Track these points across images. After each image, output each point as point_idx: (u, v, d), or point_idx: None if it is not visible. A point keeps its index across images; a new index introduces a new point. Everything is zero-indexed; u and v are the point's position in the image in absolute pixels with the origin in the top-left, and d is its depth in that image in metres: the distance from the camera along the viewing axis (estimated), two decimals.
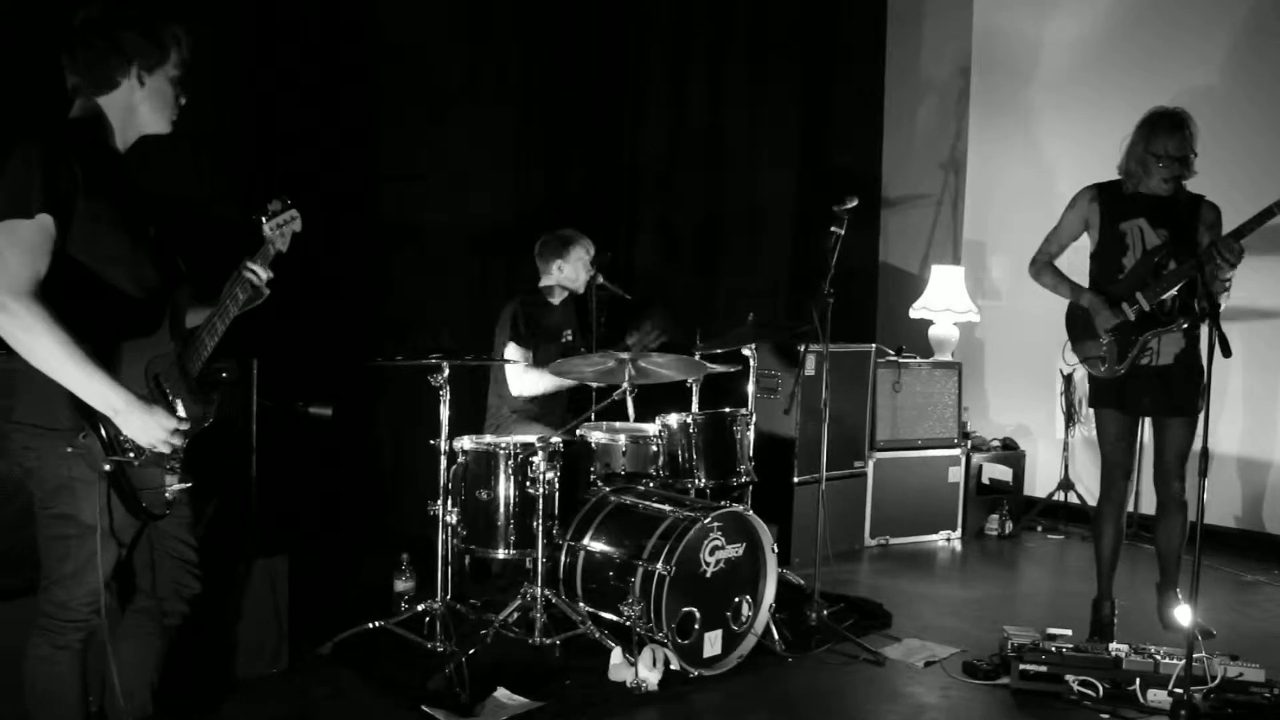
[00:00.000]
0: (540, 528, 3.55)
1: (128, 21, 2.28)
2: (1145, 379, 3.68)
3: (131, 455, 2.17)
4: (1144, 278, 3.62)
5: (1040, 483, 6.14)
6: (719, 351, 4.35)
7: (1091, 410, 3.95)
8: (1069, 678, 3.29)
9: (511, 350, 4.20)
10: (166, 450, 2.21)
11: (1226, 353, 3.05)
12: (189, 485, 2.35)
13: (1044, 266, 3.90)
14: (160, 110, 2.34)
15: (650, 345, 4.15)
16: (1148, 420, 3.91)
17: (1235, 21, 5.50)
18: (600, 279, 4.48)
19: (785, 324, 5.15)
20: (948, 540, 5.58)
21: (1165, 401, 3.67)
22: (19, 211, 2.04)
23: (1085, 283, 3.82)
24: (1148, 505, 5.64)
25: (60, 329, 2.04)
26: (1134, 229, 3.66)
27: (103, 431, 2.13)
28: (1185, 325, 3.60)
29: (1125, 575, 3.90)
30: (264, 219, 2.58)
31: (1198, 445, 3.03)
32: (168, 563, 2.42)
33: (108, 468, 2.14)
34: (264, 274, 2.54)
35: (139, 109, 2.30)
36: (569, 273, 4.38)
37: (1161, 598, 3.88)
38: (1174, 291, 3.58)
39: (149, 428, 2.14)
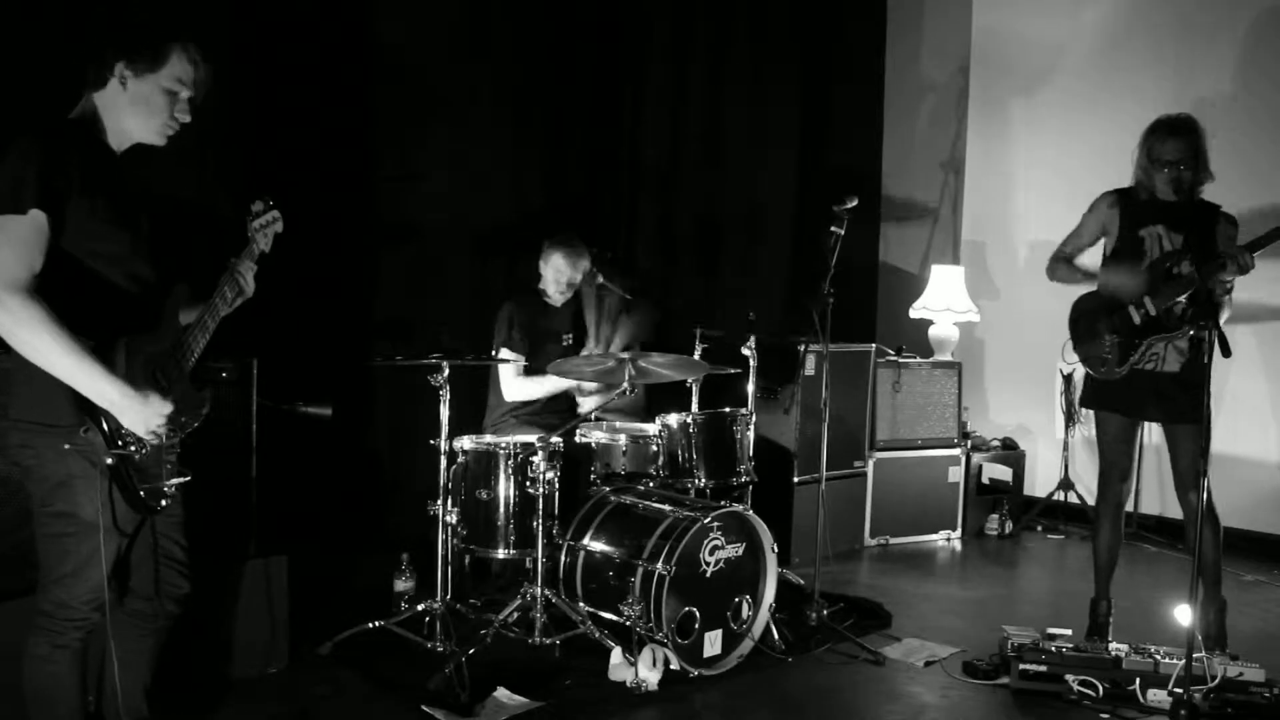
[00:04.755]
0: (540, 528, 3.55)
1: (127, 21, 2.29)
2: (1150, 385, 3.64)
3: (133, 448, 2.18)
4: (1154, 283, 3.60)
5: (1040, 483, 6.14)
6: (719, 334, 4.33)
7: (1090, 411, 3.94)
8: (1069, 677, 3.29)
9: (504, 354, 4.19)
10: (164, 436, 2.22)
11: (1226, 353, 3.05)
12: (188, 478, 2.37)
13: (1058, 263, 3.86)
14: (145, 119, 2.29)
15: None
16: (1153, 425, 3.88)
17: (1241, 21, 5.49)
18: (600, 279, 4.48)
19: (786, 324, 5.15)
20: (948, 540, 5.58)
21: (1173, 409, 3.62)
22: (12, 207, 2.05)
23: (1095, 287, 3.78)
24: (1147, 506, 5.68)
25: (56, 324, 2.05)
26: (1153, 235, 3.64)
27: (104, 425, 2.14)
28: (1191, 333, 3.56)
29: (1124, 575, 3.90)
30: (247, 219, 2.60)
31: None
32: (159, 563, 2.42)
33: (110, 461, 2.15)
34: (249, 273, 2.56)
35: (124, 111, 2.27)
36: (547, 277, 4.35)
37: (1204, 617, 3.66)
38: (1182, 298, 3.55)
39: (146, 417, 2.16)
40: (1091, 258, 3.86)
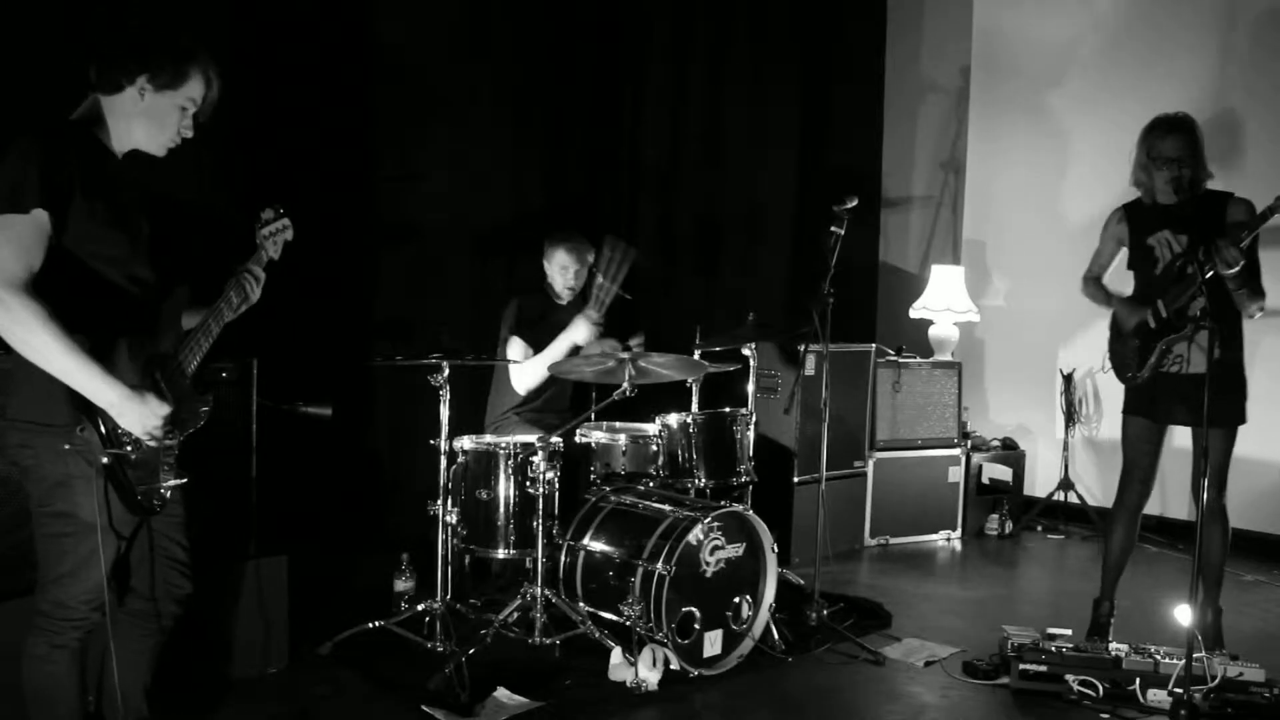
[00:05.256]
0: (540, 528, 3.55)
1: (156, 34, 2.29)
2: (1177, 388, 3.63)
3: (129, 449, 2.18)
4: (1166, 285, 3.61)
5: (1040, 483, 6.13)
6: (718, 350, 4.34)
7: (1093, 412, 3.93)
8: (1069, 677, 3.29)
9: (514, 346, 4.18)
10: (162, 436, 2.22)
11: (1217, 351, 3.05)
12: (185, 480, 2.37)
13: (1087, 281, 3.94)
14: (154, 131, 2.31)
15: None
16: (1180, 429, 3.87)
17: (1239, 22, 5.49)
18: (601, 279, 4.47)
19: (785, 325, 5.15)
20: (948, 540, 5.58)
21: (1200, 411, 3.61)
22: (14, 206, 2.05)
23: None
24: (1148, 506, 5.66)
25: (55, 323, 2.05)
26: (1160, 241, 3.66)
27: (101, 425, 2.14)
28: (1195, 331, 3.55)
29: (1125, 575, 3.89)
30: (256, 226, 2.61)
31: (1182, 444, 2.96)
32: (159, 563, 2.43)
33: (105, 461, 2.15)
34: (257, 280, 2.57)
35: (134, 120, 2.29)
36: (553, 274, 4.35)
37: (1203, 617, 3.63)
38: (1199, 298, 3.53)
39: (144, 417, 2.16)
40: (1119, 271, 3.90)
